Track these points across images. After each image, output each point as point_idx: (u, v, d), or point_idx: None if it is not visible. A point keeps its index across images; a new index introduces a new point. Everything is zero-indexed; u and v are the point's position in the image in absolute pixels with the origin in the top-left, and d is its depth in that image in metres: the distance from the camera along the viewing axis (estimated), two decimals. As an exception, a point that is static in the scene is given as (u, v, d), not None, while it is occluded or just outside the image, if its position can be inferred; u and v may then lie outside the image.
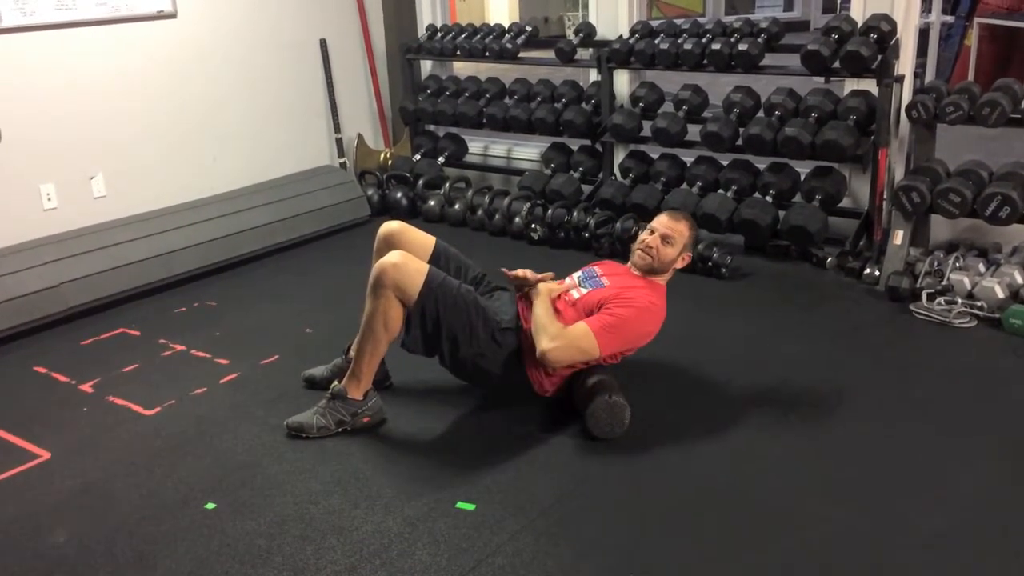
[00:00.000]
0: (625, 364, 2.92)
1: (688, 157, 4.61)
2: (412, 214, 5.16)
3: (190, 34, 4.59)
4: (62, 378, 3.31)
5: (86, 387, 3.22)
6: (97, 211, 4.27)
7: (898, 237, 3.78)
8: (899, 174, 4.05)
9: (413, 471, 2.58)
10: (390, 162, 5.55)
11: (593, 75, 4.96)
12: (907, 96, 4.03)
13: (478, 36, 5.23)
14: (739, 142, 4.29)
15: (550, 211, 4.55)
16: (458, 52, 5.27)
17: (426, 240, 2.99)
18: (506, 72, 5.86)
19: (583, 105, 4.87)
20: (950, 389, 2.96)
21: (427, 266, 2.70)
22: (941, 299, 3.52)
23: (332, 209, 4.93)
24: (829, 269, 4.02)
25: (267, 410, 2.96)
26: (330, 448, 2.71)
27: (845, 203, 4.29)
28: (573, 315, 2.78)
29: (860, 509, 2.33)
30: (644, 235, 2.92)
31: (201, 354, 3.46)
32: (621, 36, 4.68)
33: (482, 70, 5.79)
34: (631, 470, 2.56)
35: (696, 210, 4.20)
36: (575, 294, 2.87)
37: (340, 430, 2.76)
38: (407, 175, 5.28)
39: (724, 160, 4.46)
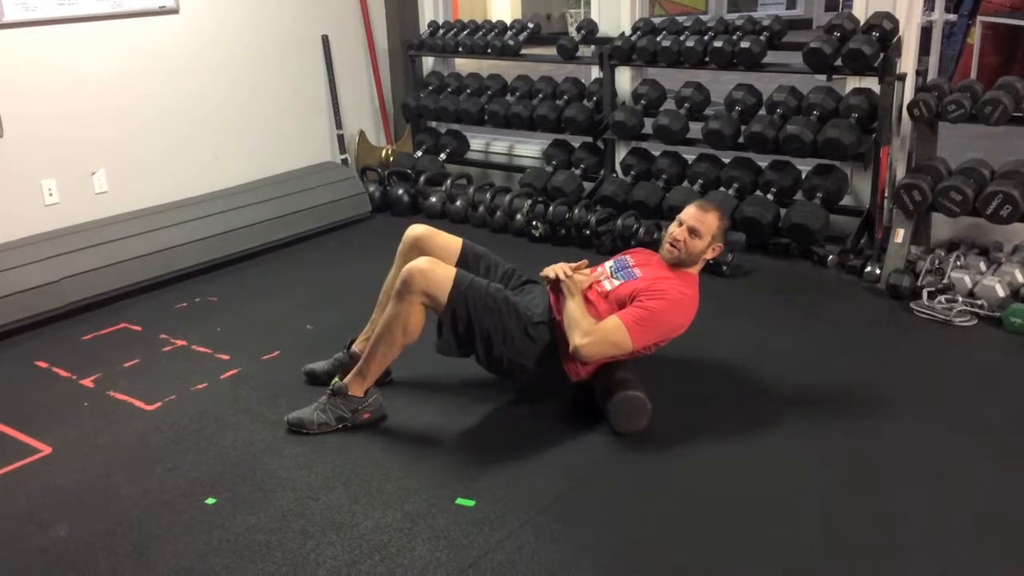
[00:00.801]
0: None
1: (690, 155, 4.61)
2: (413, 211, 5.16)
3: (192, 30, 4.59)
4: (63, 373, 3.31)
5: (87, 382, 3.23)
6: (98, 207, 4.28)
7: (899, 235, 3.78)
8: (900, 172, 4.05)
9: (413, 467, 2.59)
10: (391, 158, 5.55)
11: (595, 72, 4.96)
12: (909, 94, 4.02)
13: (480, 33, 5.23)
14: (741, 140, 4.29)
15: (551, 208, 4.55)
16: (460, 49, 5.27)
17: (453, 243, 2.99)
18: (508, 69, 5.86)
19: (585, 102, 4.87)
20: (950, 387, 2.96)
21: (454, 270, 2.71)
22: (942, 297, 3.52)
23: (333, 205, 4.93)
24: (830, 267, 4.02)
25: (268, 406, 2.96)
26: (330, 444, 2.71)
27: (846, 201, 4.28)
28: (605, 307, 2.77)
29: (859, 507, 2.33)
30: (672, 227, 2.88)
31: (202, 350, 3.46)
32: (623, 33, 4.68)
33: (484, 67, 5.78)
34: (630, 468, 2.56)
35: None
36: (607, 285, 2.85)
37: (340, 426, 2.77)
38: (409, 171, 5.28)
39: (726, 158, 4.46)
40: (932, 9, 6.70)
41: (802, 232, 4.05)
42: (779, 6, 13.13)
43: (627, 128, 4.60)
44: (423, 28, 5.63)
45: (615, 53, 4.61)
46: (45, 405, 3.07)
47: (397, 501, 2.42)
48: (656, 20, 4.72)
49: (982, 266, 3.65)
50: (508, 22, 5.27)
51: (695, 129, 4.46)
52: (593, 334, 2.65)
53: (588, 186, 4.86)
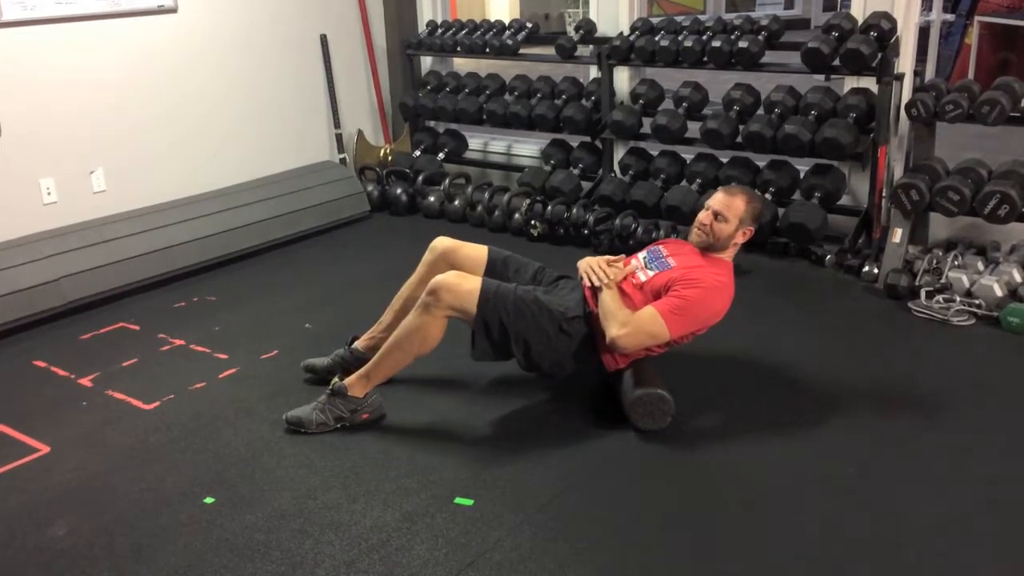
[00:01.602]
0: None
1: (688, 154, 4.61)
2: (411, 210, 5.16)
3: (191, 29, 4.59)
4: (62, 372, 3.31)
5: (85, 381, 3.23)
6: (97, 206, 4.27)
7: (897, 235, 3.78)
8: (898, 172, 4.05)
9: (411, 466, 2.59)
10: (390, 158, 5.56)
11: (593, 72, 4.96)
12: (907, 94, 4.03)
13: (478, 32, 5.23)
14: (739, 139, 4.29)
15: (550, 207, 4.55)
16: (458, 48, 5.27)
17: (479, 253, 3.01)
18: (506, 68, 5.85)
19: (583, 102, 4.87)
20: (948, 387, 2.97)
21: (479, 280, 2.71)
22: (940, 297, 3.52)
23: (332, 205, 4.94)
24: (828, 267, 4.02)
25: (266, 405, 2.96)
26: (329, 443, 2.71)
27: (844, 201, 4.29)
28: (640, 298, 2.77)
29: (858, 506, 2.34)
30: (700, 213, 2.90)
31: (200, 349, 3.46)
32: (621, 33, 4.68)
33: (482, 66, 5.77)
34: (629, 467, 2.56)
35: (696, 207, 4.20)
36: (641, 276, 2.85)
37: (339, 426, 2.77)
38: (407, 171, 5.28)
39: (724, 157, 4.47)
40: (930, 9, 6.70)
41: (800, 232, 4.05)
42: (777, 6, 13.14)
43: (625, 128, 4.60)
44: (421, 27, 5.63)
45: (613, 53, 4.61)
46: (43, 404, 3.07)
47: (395, 500, 2.42)
48: (654, 20, 4.72)
49: (980, 266, 3.66)
50: (506, 22, 5.27)
51: (693, 129, 4.46)
52: (630, 325, 2.65)
53: (586, 185, 4.86)
